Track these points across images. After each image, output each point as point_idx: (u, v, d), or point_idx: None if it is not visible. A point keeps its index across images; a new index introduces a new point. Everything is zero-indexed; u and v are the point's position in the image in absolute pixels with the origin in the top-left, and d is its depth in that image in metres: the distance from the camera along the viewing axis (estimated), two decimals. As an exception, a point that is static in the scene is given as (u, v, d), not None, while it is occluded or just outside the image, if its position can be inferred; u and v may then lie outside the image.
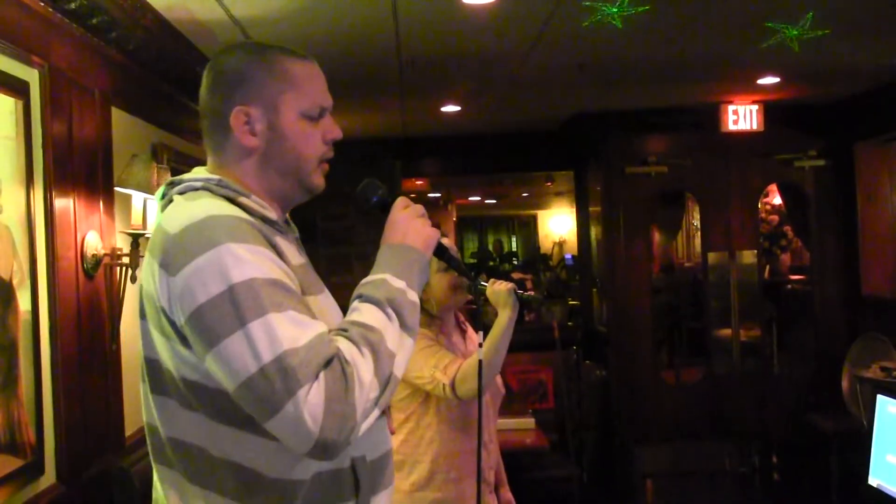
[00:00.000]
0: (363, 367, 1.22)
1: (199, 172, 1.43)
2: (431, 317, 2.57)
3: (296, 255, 1.41)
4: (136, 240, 2.97)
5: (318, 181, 1.46)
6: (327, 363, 1.19)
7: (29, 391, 2.44)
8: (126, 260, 3.00)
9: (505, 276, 7.50)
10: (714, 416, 6.02)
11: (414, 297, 1.36)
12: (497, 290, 2.45)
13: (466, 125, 6.49)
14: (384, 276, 1.35)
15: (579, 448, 5.48)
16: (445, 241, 2.52)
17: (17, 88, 2.44)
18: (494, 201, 12.97)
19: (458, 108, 5.73)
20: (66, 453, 2.66)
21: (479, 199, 12.64)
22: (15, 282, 2.38)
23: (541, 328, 6.55)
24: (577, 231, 7.05)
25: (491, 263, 7.50)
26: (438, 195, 11.15)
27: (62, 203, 2.71)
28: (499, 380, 2.70)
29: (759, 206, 6.68)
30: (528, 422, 4.50)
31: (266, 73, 1.40)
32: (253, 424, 1.23)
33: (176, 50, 3.64)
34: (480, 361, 1.83)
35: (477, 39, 3.98)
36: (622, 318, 6.00)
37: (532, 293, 2.60)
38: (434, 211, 12.14)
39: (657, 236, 7.93)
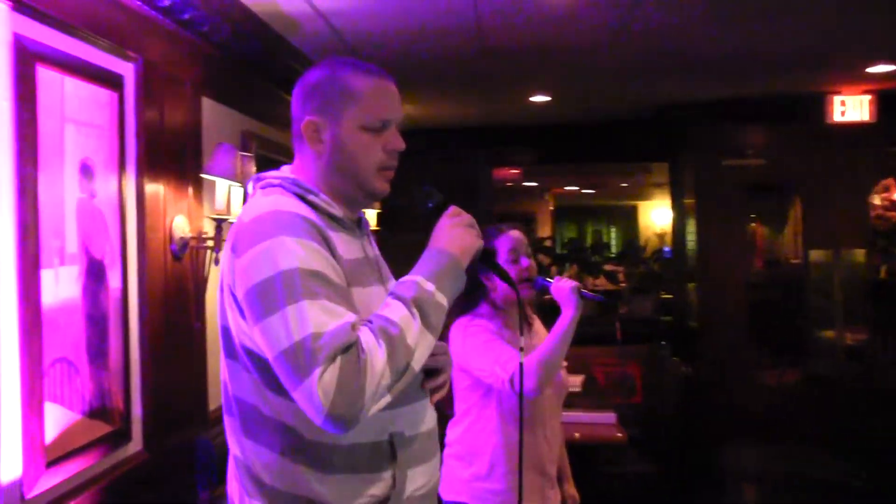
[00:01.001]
0: (377, 357, 1.40)
1: (282, 172, 1.66)
2: (496, 309, 2.66)
3: (352, 251, 1.60)
4: (220, 224, 3.23)
5: (379, 186, 1.64)
6: (346, 349, 1.37)
7: (118, 363, 2.72)
8: (211, 243, 3.26)
9: (597, 268, 7.56)
10: (811, 421, 5.92)
11: (441, 299, 1.53)
12: (560, 287, 2.51)
13: (558, 114, 6.56)
14: (416, 279, 1.53)
15: (661, 445, 5.51)
16: (515, 233, 2.65)
17: (112, 82, 2.70)
18: (592, 191, 12.92)
19: (548, 98, 5.82)
20: (151, 423, 2.93)
21: (576, 188, 12.62)
22: (106, 261, 2.65)
23: (630, 321, 6.58)
24: (671, 223, 7.03)
25: (582, 255, 7.53)
26: (535, 184, 11.21)
27: (152, 188, 2.98)
28: (564, 374, 2.76)
29: (878, 201, 6.48)
30: (609, 416, 4.54)
31: (333, 89, 1.60)
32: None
33: (265, 41, 3.89)
34: (521, 364, 1.93)
35: (559, 30, 4.08)
36: (714, 313, 5.98)
37: (597, 292, 2.63)
38: (530, 200, 12.21)
39: (762, 230, 7.80)
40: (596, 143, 7.11)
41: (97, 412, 2.59)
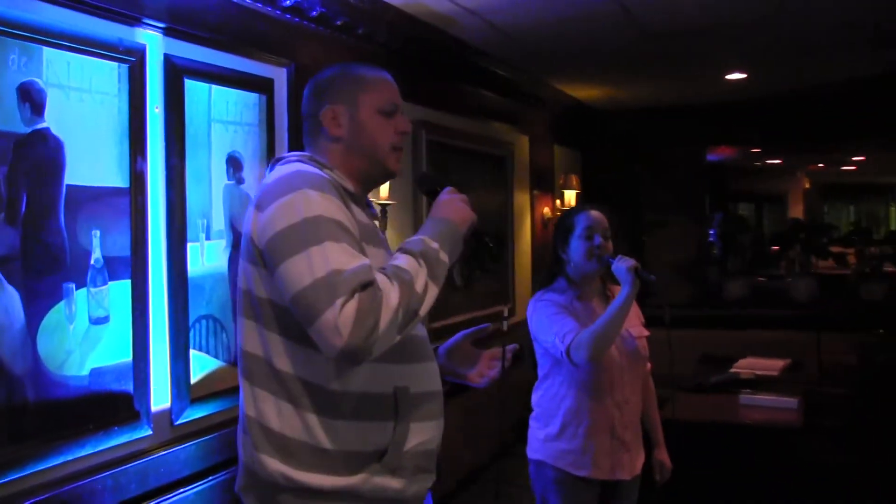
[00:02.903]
0: (392, 296, 1.57)
1: (301, 152, 1.86)
2: (571, 283, 2.91)
3: (363, 217, 1.81)
4: (385, 209, 3.76)
5: (392, 164, 1.88)
6: (364, 287, 1.54)
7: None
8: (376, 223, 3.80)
9: (823, 250, 7.25)
10: None
11: (444, 257, 1.72)
12: (618, 266, 2.73)
13: (766, 90, 6.40)
14: (422, 238, 1.73)
15: (856, 437, 5.27)
16: (594, 213, 2.87)
17: (261, 86, 3.27)
18: (853, 168, 12.06)
19: (744, 76, 5.75)
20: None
21: (832, 165, 11.86)
22: (254, 237, 3.23)
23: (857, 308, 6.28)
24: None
25: (801, 236, 7.21)
26: (777, 161, 10.75)
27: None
28: (642, 344, 2.94)
29: None
30: (790, 402, 4.49)
31: (348, 80, 1.87)
32: (307, 339, 1.60)
33: (425, 37, 4.31)
34: (503, 348, 2.06)
35: (718, 7, 4.10)
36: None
37: (651, 274, 2.75)
38: (773, 179, 11.68)
39: None
40: (818, 117, 6.83)
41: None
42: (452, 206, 1.83)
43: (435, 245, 1.71)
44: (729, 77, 5.80)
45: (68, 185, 2.45)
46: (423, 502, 1.90)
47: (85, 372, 2.50)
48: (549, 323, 2.80)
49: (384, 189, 3.83)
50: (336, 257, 1.55)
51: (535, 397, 2.99)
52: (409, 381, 1.77)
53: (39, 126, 2.36)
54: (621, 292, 2.71)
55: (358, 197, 1.84)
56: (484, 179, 5.46)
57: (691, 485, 4.39)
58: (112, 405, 2.59)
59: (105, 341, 2.57)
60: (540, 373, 2.97)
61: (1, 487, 2.24)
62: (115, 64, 2.61)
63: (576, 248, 2.87)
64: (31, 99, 2.33)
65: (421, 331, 1.88)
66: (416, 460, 1.79)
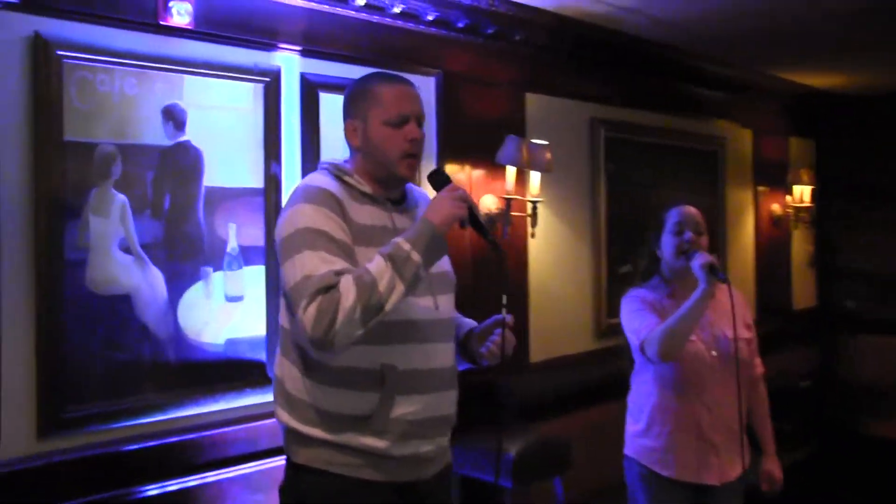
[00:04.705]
0: (349, 297, 1.84)
1: (334, 159, 2.24)
2: (662, 280, 2.92)
3: (371, 219, 2.06)
4: (509, 202, 3.98)
5: (403, 171, 2.10)
6: (327, 289, 1.85)
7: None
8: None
9: None
10: None
11: (416, 257, 1.91)
12: (693, 262, 2.71)
13: None
14: (399, 240, 1.94)
15: None
16: (686, 209, 2.89)
17: (402, 94, 3.66)
18: None
19: None
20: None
21: None
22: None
23: None
24: None
25: None
26: None
27: (452, 173, 3.86)
28: (743, 346, 2.84)
29: None
30: None
31: (361, 96, 2.14)
32: None
33: (589, 35, 4.44)
34: (504, 325, 2.14)
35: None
36: None
37: (723, 272, 2.70)
38: None
39: None
40: None
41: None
42: (437, 206, 2.00)
43: (407, 247, 1.92)
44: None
45: (207, 187, 3.02)
46: (421, 465, 2.11)
47: (220, 341, 3.05)
48: (631, 318, 2.85)
49: (534, 187, 4.05)
50: (310, 263, 1.89)
51: (629, 393, 3.03)
52: (396, 360, 2.02)
53: (181, 139, 2.95)
54: (697, 290, 2.69)
55: (376, 197, 2.11)
56: (683, 176, 5.43)
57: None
58: (245, 370, 3.12)
59: (240, 316, 3.11)
60: (634, 369, 3.01)
61: (149, 426, 2.87)
62: (251, 84, 3.14)
63: (666, 244, 2.88)
64: (174, 118, 2.93)
65: (427, 314, 2.10)
66: (403, 427, 2.03)
